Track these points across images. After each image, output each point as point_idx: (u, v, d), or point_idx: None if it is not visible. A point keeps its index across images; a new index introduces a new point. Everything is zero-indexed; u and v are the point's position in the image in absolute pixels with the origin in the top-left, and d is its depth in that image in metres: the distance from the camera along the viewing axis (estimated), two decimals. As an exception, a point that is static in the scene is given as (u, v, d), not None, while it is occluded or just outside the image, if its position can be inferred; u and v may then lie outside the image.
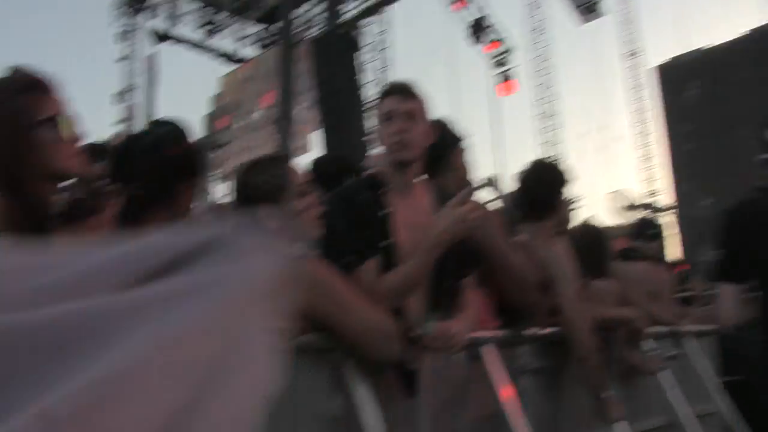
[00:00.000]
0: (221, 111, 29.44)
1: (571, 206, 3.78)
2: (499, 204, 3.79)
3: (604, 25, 25.98)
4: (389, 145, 2.74)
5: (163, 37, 28.97)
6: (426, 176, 2.94)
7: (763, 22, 21.68)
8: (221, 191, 3.45)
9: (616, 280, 4.13)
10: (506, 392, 2.84)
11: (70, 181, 1.92)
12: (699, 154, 20.38)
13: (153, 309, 0.81)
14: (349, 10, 21.80)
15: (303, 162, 2.77)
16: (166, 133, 2.26)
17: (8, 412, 0.67)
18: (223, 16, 29.27)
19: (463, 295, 2.82)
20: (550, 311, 3.45)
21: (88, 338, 0.77)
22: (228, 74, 30.11)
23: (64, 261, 0.92)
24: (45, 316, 0.79)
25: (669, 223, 21.05)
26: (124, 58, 30.24)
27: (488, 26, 21.61)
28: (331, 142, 15.74)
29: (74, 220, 1.99)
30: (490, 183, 2.77)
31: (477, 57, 22.41)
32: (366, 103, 17.73)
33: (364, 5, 21.78)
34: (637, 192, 26.89)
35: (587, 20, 25.18)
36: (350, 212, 2.62)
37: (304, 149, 20.54)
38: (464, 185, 3.27)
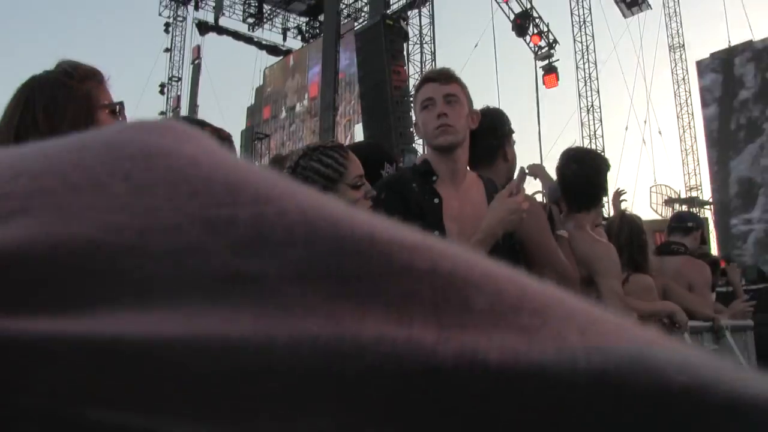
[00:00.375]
0: (265, 102, 29.62)
1: (615, 198, 3.76)
2: (541, 197, 3.75)
3: (649, 18, 25.78)
4: (431, 130, 2.66)
5: (208, 28, 29.23)
6: (475, 166, 2.89)
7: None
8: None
9: (655, 274, 4.14)
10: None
11: None
12: (734, 152, 20.09)
13: None
14: (395, 2, 21.82)
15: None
16: (193, 122, 2.38)
17: None
18: (268, 7, 29.39)
19: None
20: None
21: None
22: (272, 66, 30.29)
23: None
24: None
25: (707, 218, 20.85)
26: (169, 49, 30.63)
27: (533, 18, 21.54)
28: (372, 133, 15.77)
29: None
30: (535, 174, 2.68)
31: (521, 49, 22.36)
32: (410, 96, 17.75)
33: (410, -3, 21.75)
34: (679, 186, 26.70)
35: (632, 13, 25.03)
36: (404, 201, 2.57)
37: (347, 140, 20.59)
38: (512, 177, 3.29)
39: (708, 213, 22.03)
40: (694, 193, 25.95)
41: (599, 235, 3.52)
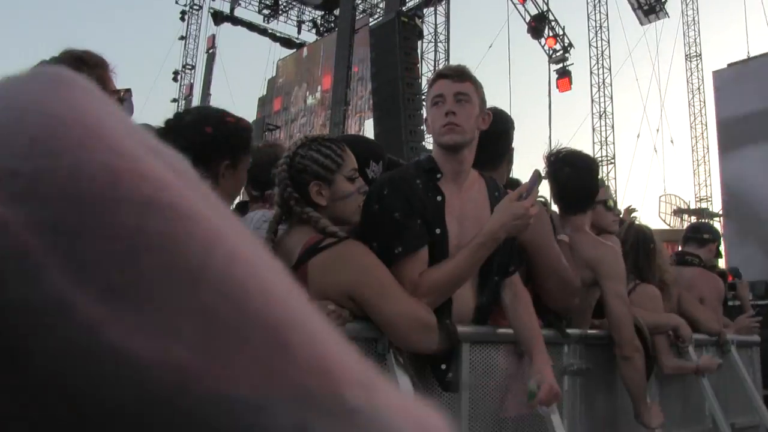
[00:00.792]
0: (276, 93, 29.62)
1: (626, 215, 3.72)
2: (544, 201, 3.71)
3: (666, 27, 25.71)
4: (438, 128, 2.61)
5: (223, 18, 29.26)
6: (481, 167, 2.82)
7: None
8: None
9: (667, 284, 4.10)
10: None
11: None
12: (747, 165, 20.01)
13: None
14: (410, 0, 21.79)
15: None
16: (205, 112, 2.36)
17: None
18: (283, 0, 29.40)
19: (530, 315, 2.74)
20: (595, 311, 3.44)
21: None
22: (285, 58, 30.30)
23: None
24: None
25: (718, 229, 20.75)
26: (184, 37, 30.68)
27: (549, 21, 21.48)
28: (383, 130, 15.75)
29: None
30: (542, 177, 2.62)
31: (535, 52, 22.32)
32: (423, 94, 17.72)
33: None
34: (689, 196, 26.61)
35: (649, 21, 24.95)
36: (406, 197, 2.52)
37: (365, 136, 20.61)
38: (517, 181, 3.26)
39: (718, 225, 21.96)
40: (704, 205, 25.86)
41: (610, 240, 3.48)
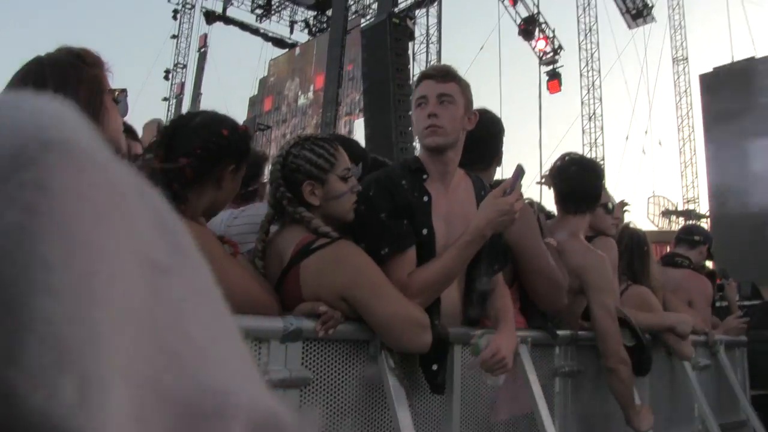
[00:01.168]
0: (268, 93, 29.59)
1: (618, 209, 3.74)
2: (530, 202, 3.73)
3: (654, 31, 25.88)
4: (420, 129, 2.62)
5: (216, 17, 29.22)
6: (470, 168, 2.83)
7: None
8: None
9: (657, 285, 4.12)
10: (538, 393, 2.84)
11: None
12: (733, 167, 20.13)
13: None
14: (402, 1, 21.78)
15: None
16: (218, 116, 2.34)
17: None
18: (276, 0, 29.37)
19: (503, 298, 2.75)
20: (584, 316, 3.44)
21: None
22: (277, 58, 30.26)
23: None
24: None
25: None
26: (176, 36, 30.63)
27: (540, 23, 21.53)
28: (373, 130, 15.74)
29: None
30: (524, 172, 2.62)
31: (526, 54, 22.37)
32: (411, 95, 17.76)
33: (418, -4, 21.73)
34: (677, 198, 26.72)
35: (637, 25, 25.07)
36: (392, 198, 2.52)
37: (347, 135, 20.57)
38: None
39: (705, 225, 22.04)
40: (691, 206, 25.97)
41: (607, 245, 3.49)
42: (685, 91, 27.15)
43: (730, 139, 20.58)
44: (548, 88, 21.95)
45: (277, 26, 30.29)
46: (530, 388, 2.84)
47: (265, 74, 30.38)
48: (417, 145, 15.76)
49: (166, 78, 30.47)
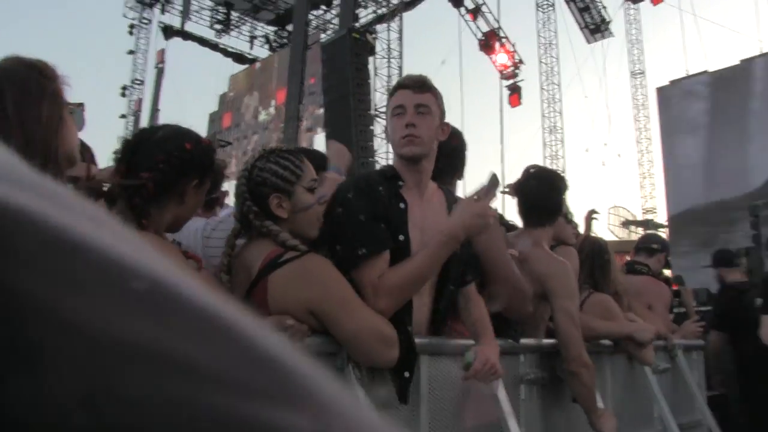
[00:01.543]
0: (227, 109, 29.46)
1: (587, 217, 3.79)
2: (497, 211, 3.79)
3: (612, 45, 26.26)
4: (398, 139, 2.62)
5: (173, 32, 29.03)
6: (435, 180, 2.84)
7: (756, 53, 21.92)
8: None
9: (622, 290, 4.18)
10: (504, 400, 2.86)
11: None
12: (690, 177, 20.46)
13: None
14: (364, 16, 21.87)
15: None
16: (181, 129, 2.31)
17: None
18: (236, 14, 29.28)
19: (479, 309, 2.77)
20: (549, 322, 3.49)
21: None
22: (237, 73, 30.13)
23: None
24: None
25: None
26: (133, 52, 30.37)
27: (501, 38, 21.72)
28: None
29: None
30: (498, 180, 2.65)
31: (487, 68, 22.55)
32: (375, 110, 17.79)
33: (380, 11, 21.83)
34: (636, 208, 27.04)
35: (595, 39, 25.43)
36: (369, 203, 2.51)
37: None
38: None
39: (664, 235, 22.30)
40: (649, 216, 26.29)
41: (563, 254, 3.53)
42: (643, 103, 27.56)
43: (686, 150, 20.91)
44: (509, 102, 22.14)
45: (236, 41, 30.20)
46: (496, 396, 2.86)
47: (225, 90, 30.24)
48: (379, 159, 15.80)
49: (123, 95, 30.20)
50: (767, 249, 6.31)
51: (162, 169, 2.16)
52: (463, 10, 21.36)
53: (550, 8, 24.91)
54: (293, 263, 2.25)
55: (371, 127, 16.71)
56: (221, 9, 29.04)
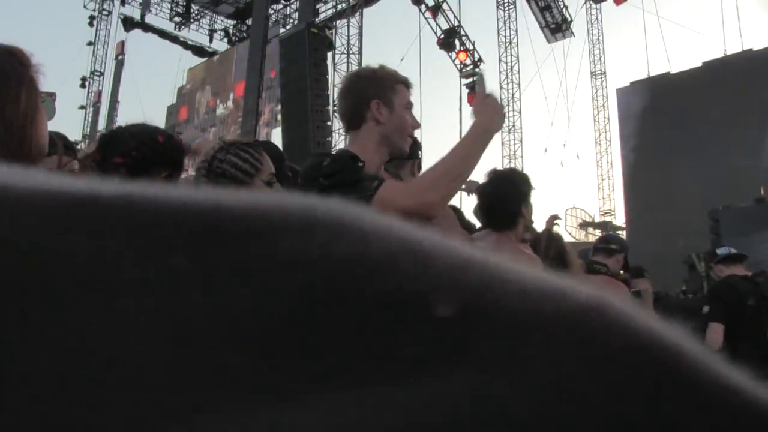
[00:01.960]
0: (184, 102, 29.27)
1: (549, 222, 3.75)
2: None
3: (572, 45, 26.41)
4: (407, 135, 2.61)
5: (134, 24, 28.77)
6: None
7: (720, 55, 22.18)
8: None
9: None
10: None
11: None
12: (649, 179, 20.69)
13: None
14: (323, 11, 21.78)
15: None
16: (154, 126, 2.41)
17: None
18: (196, 7, 29.09)
19: None
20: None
21: None
22: (195, 66, 29.95)
23: None
24: None
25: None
26: (93, 43, 30.04)
27: (460, 36, 21.74)
28: (291, 140, 15.70)
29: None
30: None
31: (446, 66, 22.59)
32: (333, 105, 17.73)
33: (339, 6, 21.77)
34: (594, 210, 27.24)
35: (556, 39, 25.56)
36: (346, 168, 2.42)
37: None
38: None
39: (624, 236, 22.52)
40: (608, 218, 26.50)
41: (525, 253, 3.51)
42: (603, 104, 27.73)
43: (645, 152, 21.12)
44: (468, 101, 22.18)
45: (196, 34, 30.02)
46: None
47: (183, 83, 30.05)
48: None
49: (83, 86, 29.87)
50: (711, 260, 6.28)
51: (134, 156, 2.24)
52: (423, 7, 21.33)
53: (511, 6, 24.96)
54: None
55: (329, 123, 16.63)
56: (181, 1, 28.84)
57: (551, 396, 0.22)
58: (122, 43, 29.54)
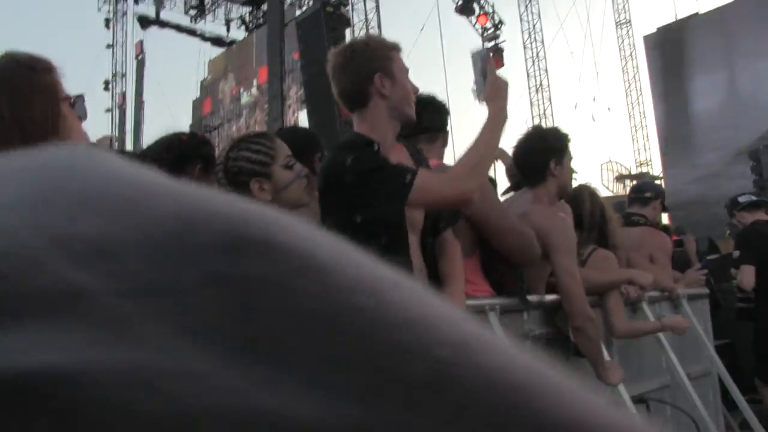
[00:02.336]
0: (208, 95, 29.31)
1: (571, 173, 3.74)
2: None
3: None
4: (410, 101, 2.59)
5: (150, 21, 28.85)
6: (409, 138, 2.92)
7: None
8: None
9: (617, 247, 4.12)
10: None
11: None
12: (683, 126, 20.40)
13: None
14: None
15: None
16: (179, 132, 2.64)
17: None
18: (209, -2, 29.08)
19: (453, 259, 2.73)
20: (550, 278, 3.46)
21: None
22: (214, 58, 29.95)
23: None
24: None
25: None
26: (111, 45, 30.18)
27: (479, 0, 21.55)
28: (317, 121, 15.66)
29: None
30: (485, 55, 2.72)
31: (468, 32, 22.39)
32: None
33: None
34: (630, 162, 27.00)
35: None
36: (374, 156, 2.46)
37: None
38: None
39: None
40: (644, 169, 26.27)
41: (561, 210, 3.51)
42: (630, 54, 27.42)
43: (677, 98, 20.83)
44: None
45: (213, 26, 29.99)
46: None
47: (206, 75, 30.09)
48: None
49: (106, 89, 30.09)
50: (734, 207, 6.33)
51: (166, 158, 2.44)
52: (438, -26, 21.19)
53: (528, -38, 24.75)
54: None
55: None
56: (194, -7, 28.85)
57: None
58: (141, 43, 29.66)
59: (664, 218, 7.55)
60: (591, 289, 3.48)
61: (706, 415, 4.11)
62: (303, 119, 21.87)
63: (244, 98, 27.13)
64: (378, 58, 2.55)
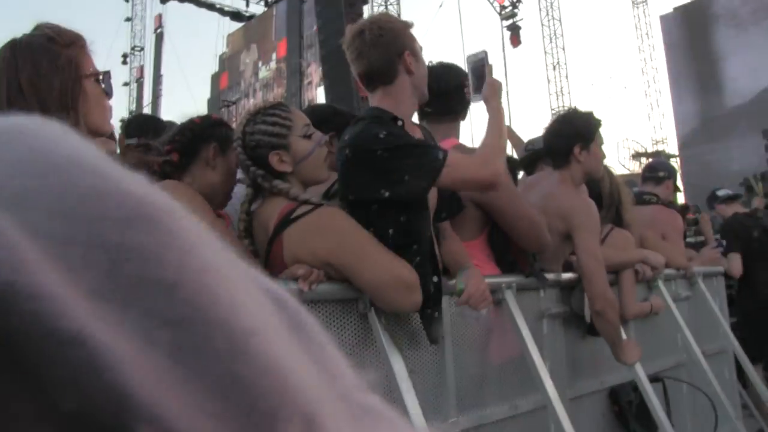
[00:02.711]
0: (226, 69, 29.29)
1: (602, 159, 3.77)
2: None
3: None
4: (425, 78, 2.65)
5: (169, -5, 28.79)
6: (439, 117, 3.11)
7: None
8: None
9: (628, 224, 4.16)
10: (527, 336, 2.89)
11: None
12: (699, 104, 20.30)
13: None
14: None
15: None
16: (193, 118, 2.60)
17: None
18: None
19: (456, 243, 2.82)
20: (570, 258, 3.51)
21: None
22: (233, 32, 29.91)
23: None
24: None
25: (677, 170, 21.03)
26: (130, 18, 30.19)
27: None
28: (335, 97, 15.69)
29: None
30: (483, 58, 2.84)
31: (486, 10, 22.30)
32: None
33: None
34: (646, 140, 26.92)
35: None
36: (403, 132, 2.49)
37: (312, 102, 20.36)
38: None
39: (675, 165, 22.23)
40: (660, 147, 26.20)
41: (584, 192, 3.55)
42: (646, 33, 27.27)
43: (693, 76, 20.71)
44: (511, 43, 21.96)
45: (231, 0, 29.95)
46: (519, 331, 2.89)
47: (224, 50, 30.07)
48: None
49: (124, 62, 30.15)
50: (713, 201, 6.80)
51: (179, 139, 2.46)
52: (457, -50, 21.11)
53: (547, -59, 24.58)
54: (307, 217, 2.26)
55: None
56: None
57: None
58: (159, 17, 29.66)
59: (680, 198, 7.60)
60: (607, 268, 3.53)
61: (722, 392, 4.15)
62: (321, 96, 21.94)
63: (262, 72, 27.11)
64: (405, 36, 2.59)
